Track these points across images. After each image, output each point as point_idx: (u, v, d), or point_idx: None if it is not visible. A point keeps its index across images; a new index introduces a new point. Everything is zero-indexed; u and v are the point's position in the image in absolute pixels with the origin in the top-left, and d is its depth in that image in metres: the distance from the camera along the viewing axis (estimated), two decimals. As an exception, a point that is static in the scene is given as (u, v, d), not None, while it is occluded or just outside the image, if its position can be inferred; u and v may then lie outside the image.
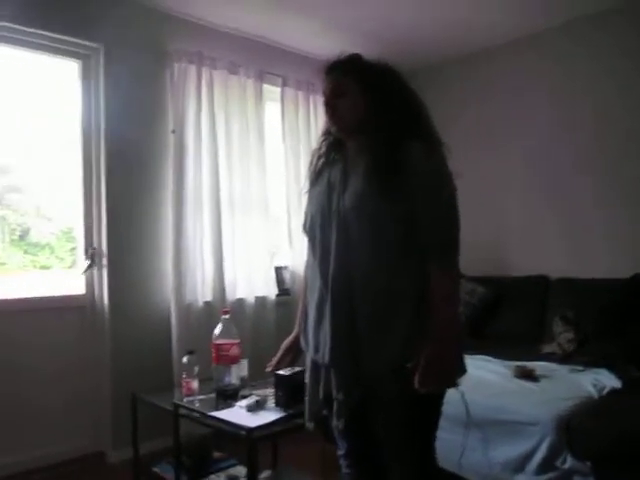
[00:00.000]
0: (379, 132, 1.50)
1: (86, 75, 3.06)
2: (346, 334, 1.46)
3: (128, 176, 3.10)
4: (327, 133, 1.69)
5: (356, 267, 1.46)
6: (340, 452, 1.70)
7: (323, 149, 1.70)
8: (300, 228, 1.71)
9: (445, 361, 1.38)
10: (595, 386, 2.41)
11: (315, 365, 1.58)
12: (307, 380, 1.65)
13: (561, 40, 3.55)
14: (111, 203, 3.03)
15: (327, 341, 1.48)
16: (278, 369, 1.91)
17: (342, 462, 1.70)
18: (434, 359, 1.36)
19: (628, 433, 2.03)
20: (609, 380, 2.48)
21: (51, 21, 2.83)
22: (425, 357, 1.36)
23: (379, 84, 1.55)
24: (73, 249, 3.11)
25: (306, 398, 1.64)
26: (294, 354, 1.82)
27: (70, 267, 3.10)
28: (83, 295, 3.02)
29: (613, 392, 2.37)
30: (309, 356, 1.61)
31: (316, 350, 1.54)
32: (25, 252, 3.04)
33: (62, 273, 3.12)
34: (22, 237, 3.05)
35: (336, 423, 1.53)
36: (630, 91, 3.27)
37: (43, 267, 3.12)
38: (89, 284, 3.04)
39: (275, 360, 1.86)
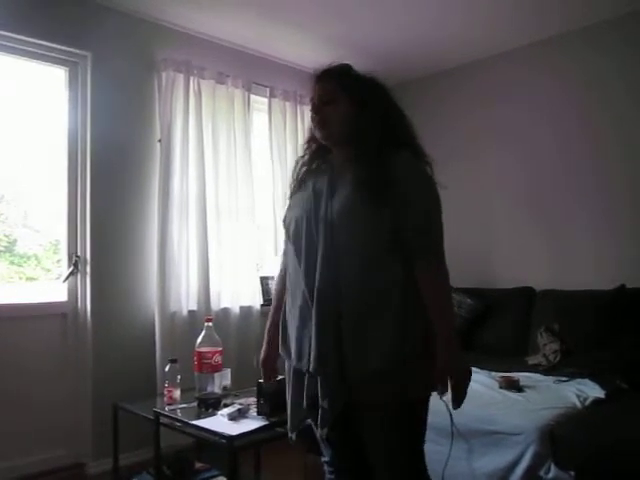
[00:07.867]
0: (365, 142, 1.51)
1: (73, 83, 3.04)
2: (332, 340, 1.43)
3: (114, 184, 3.08)
4: (310, 141, 1.69)
5: (343, 273, 1.45)
6: (324, 459, 1.68)
7: (306, 157, 1.70)
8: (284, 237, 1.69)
9: (457, 361, 1.43)
10: (579, 397, 2.42)
11: (298, 373, 1.55)
12: (288, 390, 1.61)
13: (553, 54, 3.58)
14: (95, 210, 3.01)
15: (313, 347, 1.45)
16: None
17: (326, 469, 1.68)
18: (449, 368, 1.41)
19: (611, 443, 2.04)
20: (593, 390, 2.49)
21: (39, 28, 2.82)
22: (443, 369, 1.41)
23: (367, 95, 1.56)
24: (60, 261, 3.07)
25: (288, 409, 1.61)
26: (275, 367, 1.79)
27: (57, 279, 3.05)
28: (65, 302, 2.97)
29: (596, 402, 2.37)
30: (291, 365, 1.58)
31: (299, 358, 1.51)
32: (11, 263, 2.99)
33: (48, 285, 3.05)
34: (8, 248, 3.00)
35: (320, 432, 1.50)
36: (621, 108, 3.30)
37: (29, 279, 3.06)
38: (72, 291, 2.99)
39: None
